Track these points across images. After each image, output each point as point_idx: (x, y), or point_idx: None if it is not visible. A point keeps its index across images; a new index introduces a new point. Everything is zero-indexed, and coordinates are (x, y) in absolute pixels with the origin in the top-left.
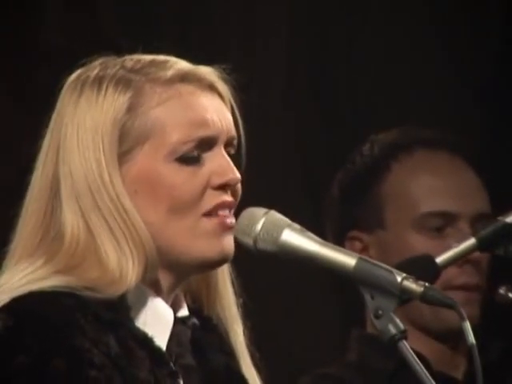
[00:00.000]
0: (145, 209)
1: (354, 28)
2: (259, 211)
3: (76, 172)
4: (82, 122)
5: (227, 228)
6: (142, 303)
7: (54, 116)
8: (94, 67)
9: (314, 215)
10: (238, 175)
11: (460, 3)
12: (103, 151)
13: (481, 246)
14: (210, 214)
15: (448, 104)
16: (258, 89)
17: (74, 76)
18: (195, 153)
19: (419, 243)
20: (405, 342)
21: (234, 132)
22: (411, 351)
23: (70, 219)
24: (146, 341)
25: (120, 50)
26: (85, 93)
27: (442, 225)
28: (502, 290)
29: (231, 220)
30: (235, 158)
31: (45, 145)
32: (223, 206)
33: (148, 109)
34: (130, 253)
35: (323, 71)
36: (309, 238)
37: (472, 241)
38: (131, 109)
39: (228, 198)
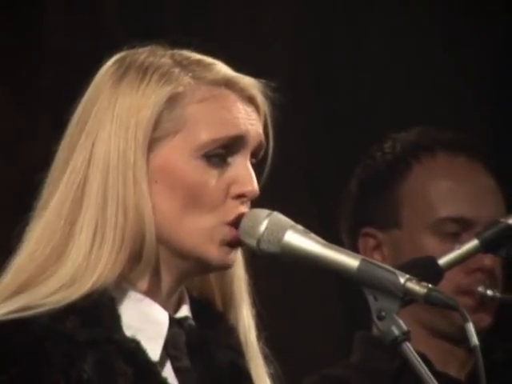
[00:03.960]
0: (161, 199)
1: (355, 28)
2: (263, 212)
3: (98, 144)
4: (121, 101)
5: (235, 241)
6: (133, 309)
7: (90, 91)
8: (142, 52)
9: (317, 216)
10: (257, 190)
11: (460, 4)
12: (135, 132)
13: (483, 247)
14: (232, 224)
15: (448, 104)
16: (275, 102)
17: (119, 56)
18: (221, 152)
19: (433, 246)
20: (408, 343)
21: (261, 144)
22: (414, 353)
23: (62, 194)
24: (133, 354)
25: (122, 51)
26: (129, 74)
27: (458, 230)
28: (480, 288)
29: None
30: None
31: (75, 116)
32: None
33: (188, 103)
34: (112, 238)
35: (326, 73)
36: (312, 239)
37: (475, 242)
38: (172, 99)
39: (246, 210)
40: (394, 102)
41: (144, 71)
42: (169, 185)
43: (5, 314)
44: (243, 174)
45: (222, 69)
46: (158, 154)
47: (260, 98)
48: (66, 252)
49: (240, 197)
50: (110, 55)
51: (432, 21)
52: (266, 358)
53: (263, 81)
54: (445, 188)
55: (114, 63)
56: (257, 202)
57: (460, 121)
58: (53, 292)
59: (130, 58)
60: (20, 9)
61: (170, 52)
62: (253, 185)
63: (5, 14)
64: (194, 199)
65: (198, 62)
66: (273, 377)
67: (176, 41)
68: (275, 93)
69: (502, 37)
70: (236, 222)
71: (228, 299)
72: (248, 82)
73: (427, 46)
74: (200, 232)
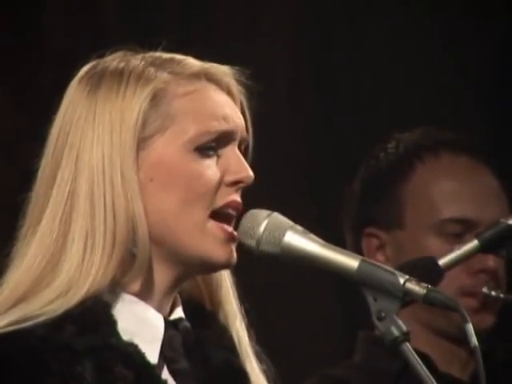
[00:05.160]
0: (157, 198)
1: (355, 28)
2: (262, 213)
3: (82, 154)
4: (101, 108)
5: (232, 238)
6: (128, 313)
7: (66, 104)
8: (113, 58)
9: (316, 216)
10: (252, 175)
11: (460, 4)
12: (120, 135)
13: (483, 247)
14: (218, 213)
15: (448, 104)
16: (259, 91)
17: (89, 66)
18: (213, 144)
19: (436, 247)
20: (407, 344)
21: (245, 133)
22: (414, 353)
23: (53, 209)
24: (131, 357)
25: (113, 52)
26: (104, 81)
27: (461, 231)
28: (485, 289)
29: (235, 233)
30: None
31: (54, 131)
32: (234, 205)
33: (172, 98)
34: (102, 244)
35: (326, 73)
36: (311, 239)
37: (474, 243)
38: (156, 96)
39: (238, 198)
40: (394, 102)
41: (119, 75)
42: (165, 180)
43: (3, 327)
44: (236, 161)
45: (196, 62)
46: (149, 152)
47: (236, 87)
48: (59, 264)
49: (235, 183)
50: (101, 55)
51: (432, 21)
52: (258, 355)
53: (237, 68)
54: (448, 188)
55: (86, 73)
56: (256, 202)
57: (460, 121)
58: (49, 301)
59: (102, 66)
60: (20, 9)
61: (139, 55)
62: (247, 170)
63: (5, 13)
64: (191, 191)
65: (170, 59)
66: (266, 373)
67: (156, 42)
68: (250, 79)
69: (502, 37)
70: (226, 210)
71: (217, 303)
72: (223, 71)
73: (427, 46)
74: (193, 229)
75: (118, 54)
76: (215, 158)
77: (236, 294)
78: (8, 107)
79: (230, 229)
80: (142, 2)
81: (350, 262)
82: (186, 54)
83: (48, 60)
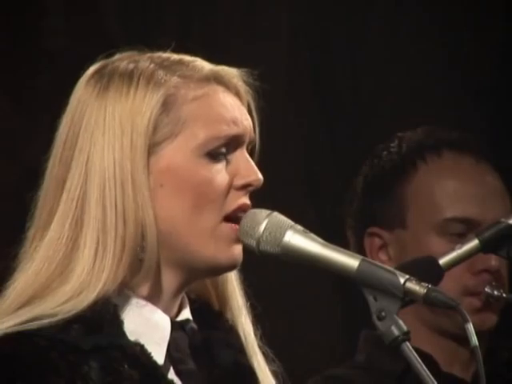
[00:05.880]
0: (168, 203)
1: (355, 28)
2: (262, 213)
3: (93, 158)
4: (111, 110)
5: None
6: (135, 315)
7: (74, 105)
8: (121, 59)
9: (316, 216)
10: (261, 178)
11: (460, 4)
12: (131, 139)
13: (483, 247)
14: (230, 217)
15: (448, 104)
16: (259, 91)
17: (97, 66)
18: (223, 149)
19: (439, 247)
20: (408, 343)
21: (253, 134)
22: (414, 353)
23: (63, 213)
24: (138, 357)
25: (122, 52)
26: (114, 82)
27: (463, 230)
28: (487, 289)
29: None
30: None
31: (62, 132)
32: (244, 208)
33: (183, 103)
34: (112, 249)
35: (325, 72)
36: (311, 239)
37: (475, 242)
38: (167, 101)
39: (248, 201)
40: (394, 102)
41: (129, 77)
42: (176, 186)
43: (11, 327)
44: (245, 165)
45: (205, 64)
46: (160, 158)
47: (243, 88)
48: (70, 268)
49: (245, 187)
50: (110, 55)
51: (432, 21)
52: (266, 355)
53: (245, 70)
54: (451, 188)
55: (94, 74)
56: (257, 202)
57: (460, 121)
58: (59, 304)
59: (110, 67)
60: (19, 9)
61: (147, 55)
62: (257, 174)
63: (4, 14)
64: (202, 197)
65: (179, 61)
66: (276, 374)
67: (156, 42)
68: (257, 80)
69: (502, 37)
70: (237, 214)
71: (224, 300)
72: (232, 73)
73: (427, 46)
74: (204, 233)
75: (126, 55)
76: (225, 162)
77: (242, 290)
78: (8, 108)
79: (236, 228)
80: (142, 2)
81: (350, 261)
82: (186, 54)
83: (47, 60)
